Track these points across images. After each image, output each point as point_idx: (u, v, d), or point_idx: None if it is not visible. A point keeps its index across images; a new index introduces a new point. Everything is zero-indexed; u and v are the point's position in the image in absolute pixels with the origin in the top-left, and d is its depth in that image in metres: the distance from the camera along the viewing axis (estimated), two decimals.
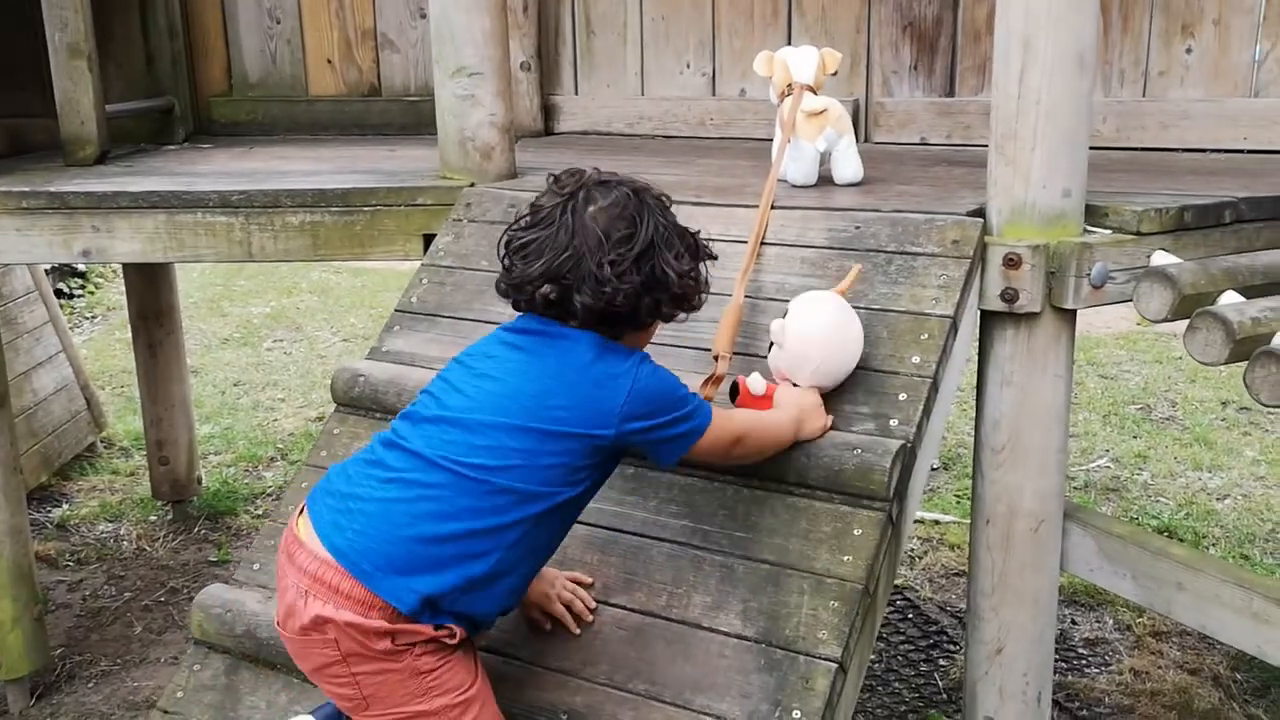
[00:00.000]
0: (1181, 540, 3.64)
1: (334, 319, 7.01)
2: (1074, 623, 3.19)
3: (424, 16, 3.65)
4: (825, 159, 2.42)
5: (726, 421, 1.68)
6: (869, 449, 1.76)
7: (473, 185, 2.59)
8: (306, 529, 1.53)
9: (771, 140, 2.46)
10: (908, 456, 1.79)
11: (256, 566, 2.06)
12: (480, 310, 2.30)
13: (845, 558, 1.72)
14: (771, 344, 1.87)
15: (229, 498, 4.25)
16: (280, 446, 4.83)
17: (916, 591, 3.41)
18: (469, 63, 2.56)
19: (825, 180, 2.45)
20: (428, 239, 2.57)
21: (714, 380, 1.89)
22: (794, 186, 2.40)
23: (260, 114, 3.97)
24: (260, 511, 4.18)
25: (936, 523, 3.84)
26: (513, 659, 1.77)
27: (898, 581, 3.46)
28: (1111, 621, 3.18)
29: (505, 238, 1.62)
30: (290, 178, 2.78)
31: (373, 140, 3.75)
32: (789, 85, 2.40)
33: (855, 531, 1.74)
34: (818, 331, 1.82)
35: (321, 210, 2.58)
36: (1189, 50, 2.87)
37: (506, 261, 1.60)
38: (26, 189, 2.64)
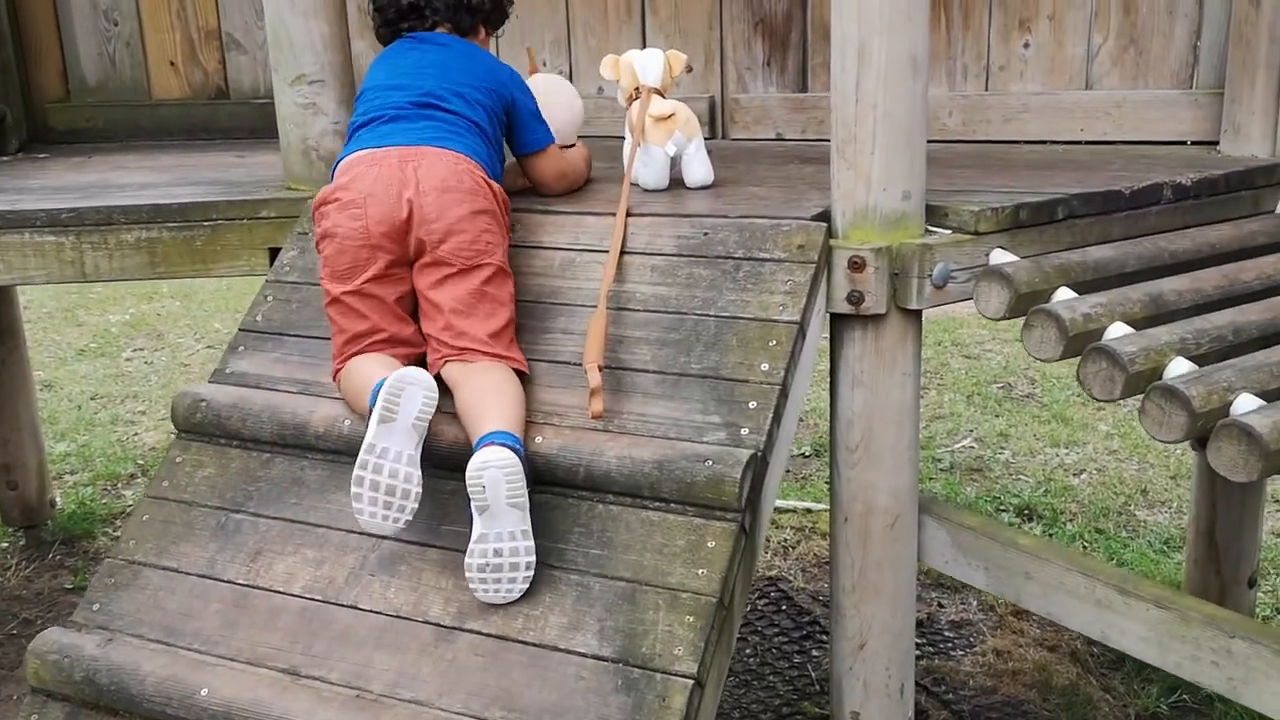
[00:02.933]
0: (1041, 517, 3.76)
1: (197, 324, 6.78)
2: (940, 605, 3.27)
3: None
4: (676, 162, 2.41)
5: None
6: (720, 460, 1.76)
7: None
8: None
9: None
10: (759, 466, 1.79)
11: (96, 607, 1.97)
12: (328, 327, 2.23)
13: (700, 571, 1.72)
14: None
15: (86, 520, 4.07)
16: (141, 462, 4.65)
17: (790, 582, 3.45)
18: (309, 70, 2.48)
19: (677, 182, 2.44)
20: (274, 252, 2.49)
21: (594, 392, 1.89)
22: (646, 190, 2.39)
23: (100, 120, 3.80)
24: (120, 533, 4.01)
25: (809, 511, 3.89)
26: (365, 691, 1.72)
27: (771, 572, 3.50)
28: (976, 603, 3.27)
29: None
30: (126, 191, 2.66)
31: (220, 145, 3.62)
32: (636, 89, 2.39)
33: (709, 544, 1.73)
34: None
35: (159, 226, 2.48)
36: (1026, 45, 2.95)
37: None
38: None
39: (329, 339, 2.20)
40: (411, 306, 2.07)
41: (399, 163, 2.03)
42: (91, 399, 5.47)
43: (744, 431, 1.84)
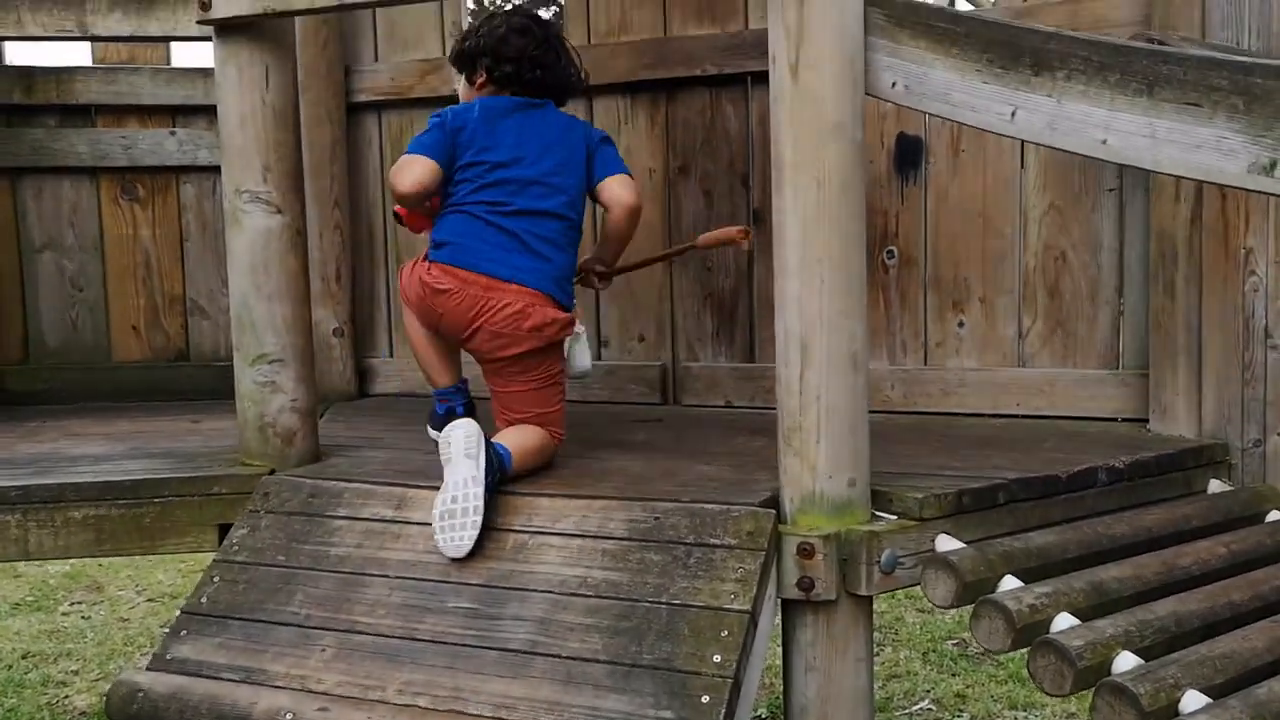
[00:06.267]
0: None
1: (140, 575, 6.59)
2: None
3: None
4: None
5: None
6: None
7: (273, 472, 2.52)
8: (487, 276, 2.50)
9: None
10: None
11: None
12: (274, 611, 2.20)
13: None
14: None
15: None
16: None
17: None
18: (270, 350, 2.55)
19: (627, 460, 2.48)
20: (223, 529, 2.48)
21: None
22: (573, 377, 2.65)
23: (58, 381, 3.84)
24: None
25: None
26: None
27: None
28: None
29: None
30: (78, 465, 2.66)
31: (178, 407, 3.65)
32: None
33: None
34: None
35: (108, 504, 2.47)
36: (961, 324, 3.10)
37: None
38: None
39: (276, 623, 2.18)
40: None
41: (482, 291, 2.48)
42: (23, 658, 5.26)
43: None
